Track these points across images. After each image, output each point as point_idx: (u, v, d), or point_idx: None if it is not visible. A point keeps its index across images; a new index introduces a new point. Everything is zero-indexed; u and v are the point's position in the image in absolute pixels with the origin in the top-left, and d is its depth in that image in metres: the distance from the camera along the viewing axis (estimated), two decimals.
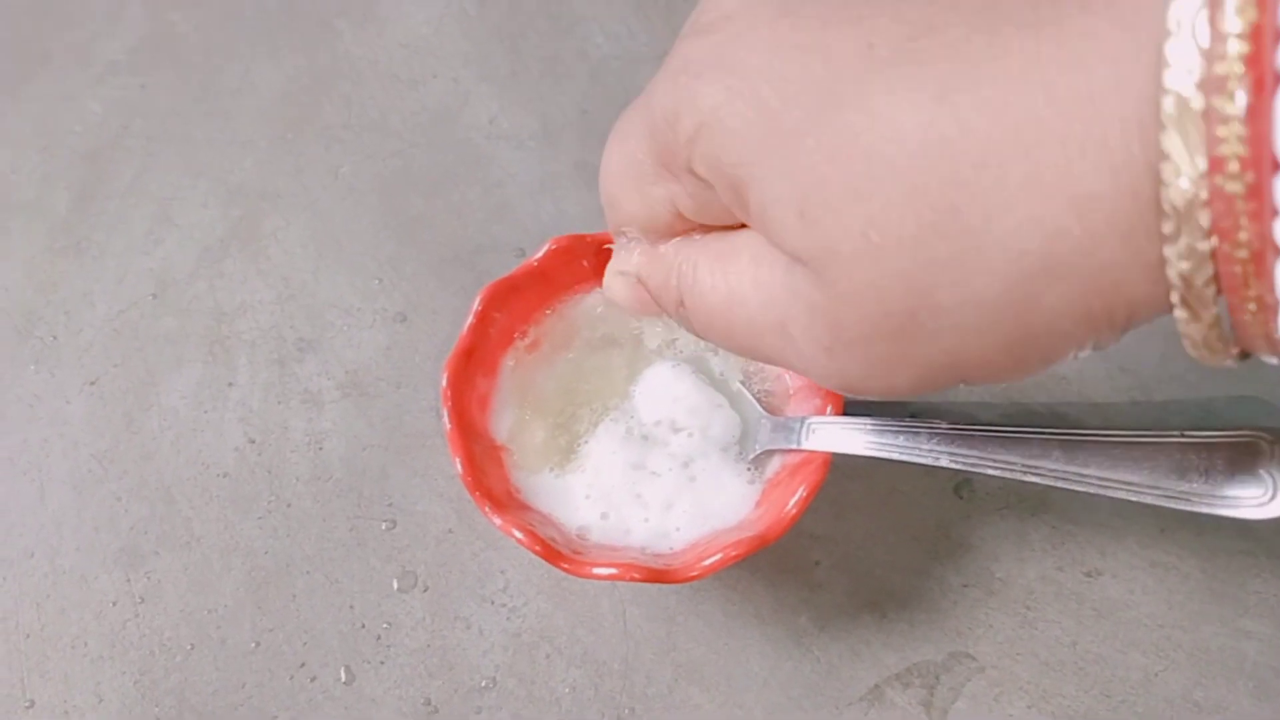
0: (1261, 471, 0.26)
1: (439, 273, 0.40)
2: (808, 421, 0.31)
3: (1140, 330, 0.37)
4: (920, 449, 0.30)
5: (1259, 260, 0.14)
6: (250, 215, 0.42)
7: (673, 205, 0.22)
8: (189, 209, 0.42)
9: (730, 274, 0.21)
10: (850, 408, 0.32)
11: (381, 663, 0.33)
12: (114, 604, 0.35)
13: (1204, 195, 0.14)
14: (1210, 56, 0.14)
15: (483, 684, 0.33)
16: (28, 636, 0.34)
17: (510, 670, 0.33)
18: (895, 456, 0.30)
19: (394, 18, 0.47)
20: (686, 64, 0.20)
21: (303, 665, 0.33)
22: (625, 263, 0.24)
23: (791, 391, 0.34)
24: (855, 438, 0.30)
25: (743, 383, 0.34)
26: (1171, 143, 0.14)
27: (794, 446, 0.31)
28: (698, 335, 0.23)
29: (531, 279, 0.34)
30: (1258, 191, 0.14)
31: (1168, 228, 0.15)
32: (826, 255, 0.17)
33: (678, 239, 0.23)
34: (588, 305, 0.35)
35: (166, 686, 0.33)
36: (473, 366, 0.33)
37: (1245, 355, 0.17)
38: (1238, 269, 0.14)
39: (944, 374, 0.18)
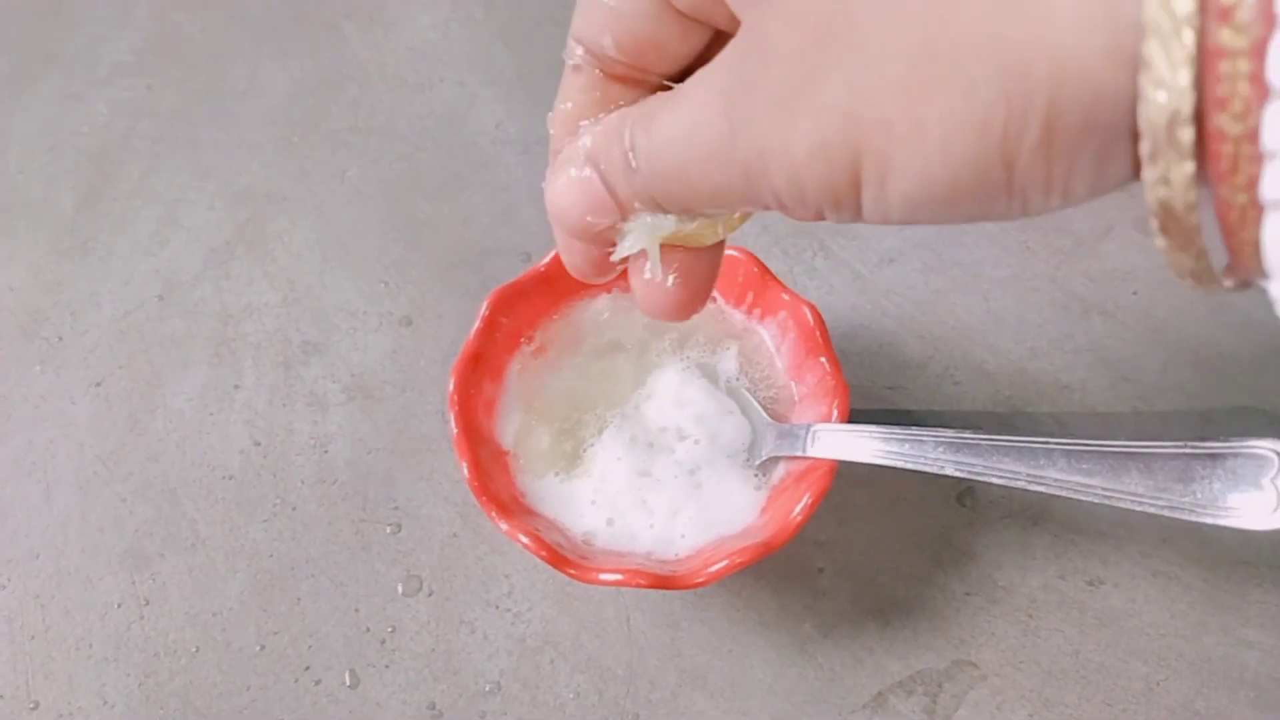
0: (1266, 482, 0.27)
1: (445, 276, 0.40)
2: (813, 429, 0.31)
3: (1142, 339, 0.37)
4: (925, 457, 0.30)
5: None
6: (256, 218, 0.42)
7: None
8: (195, 211, 0.42)
9: (679, 105, 0.19)
10: (855, 416, 0.32)
11: (386, 666, 0.33)
12: (119, 606, 0.35)
13: None
14: None
15: (487, 688, 0.33)
16: (32, 638, 0.34)
17: (514, 675, 0.33)
18: (900, 464, 0.30)
19: (401, 21, 0.47)
20: None
21: (307, 668, 0.34)
22: (573, 151, 0.21)
23: (797, 399, 0.34)
24: (860, 445, 0.30)
25: (749, 390, 0.34)
26: None
27: (799, 453, 0.31)
28: (653, 195, 0.20)
29: (538, 284, 0.34)
30: None
31: None
32: None
33: (627, 109, 0.21)
34: (594, 311, 0.35)
35: (171, 689, 0.33)
36: (479, 371, 0.33)
37: (1241, 282, 0.15)
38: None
39: (840, 131, 0.16)
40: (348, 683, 0.33)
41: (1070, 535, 0.34)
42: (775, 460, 0.33)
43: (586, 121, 0.22)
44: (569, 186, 0.21)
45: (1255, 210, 0.13)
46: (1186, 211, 0.14)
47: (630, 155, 0.20)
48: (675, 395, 0.33)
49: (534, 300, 0.34)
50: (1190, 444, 0.28)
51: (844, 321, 0.39)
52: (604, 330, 0.35)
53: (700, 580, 0.29)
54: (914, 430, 0.30)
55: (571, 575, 0.29)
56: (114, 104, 0.46)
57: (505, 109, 0.44)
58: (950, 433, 0.30)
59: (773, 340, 0.35)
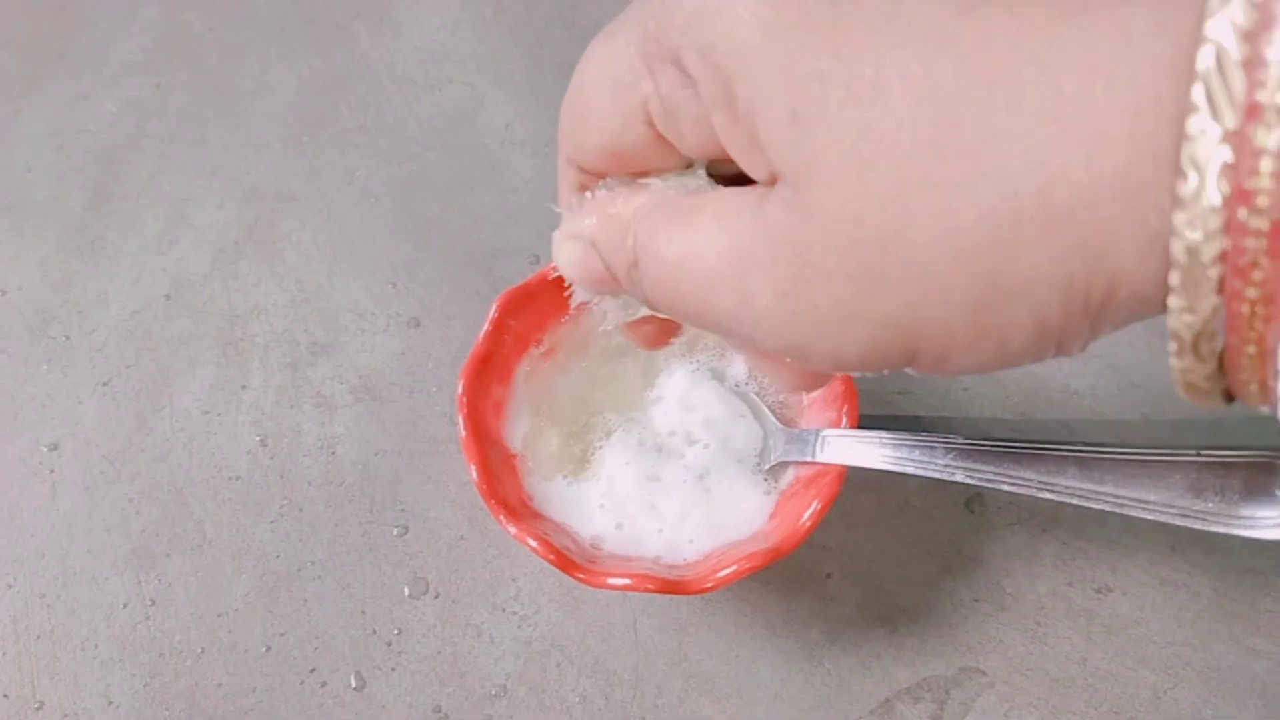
0: (1278, 492, 0.26)
1: (454, 278, 0.40)
2: (822, 434, 0.31)
3: (1151, 346, 0.37)
4: (935, 464, 0.30)
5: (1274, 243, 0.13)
6: (265, 217, 0.42)
7: (645, 113, 0.19)
8: (204, 210, 0.42)
9: (691, 227, 0.19)
10: (865, 422, 0.32)
11: (392, 669, 0.33)
12: (125, 606, 0.35)
13: (1229, 158, 0.13)
14: (1259, 7, 0.13)
15: (493, 692, 0.33)
16: (38, 638, 0.34)
17: (521, 678, 0.33)
18: (910, 471, 0.30)
19: (410, 22, 0.47)
20: None
21: (313, 670, 0.33)
22: (577, 226, 0.21)
23: (806, 404, 0.34)
24: (870, 451, 0.30)
25: (758, 394, 0.34)
26: (1201, 95, 0.13)
27: (808, 459, 0.31)
28: (649, 301, 0.20)
29: (547, 287, 0.34)
30: None
31: (1184, 189, 0.14)
32: (810, 166, 0.16)
33: (637, 201, 0.20)
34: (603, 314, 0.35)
35: (176, 690, 0.33)
36: (488, 373, 0.33)
37: (1231, 398, 0.16)
38: (1249, 257, 0.13)
39: (897, 339, 0.17)
40: (354, 685, 0.33)
41: (1079, 543, 0.34)
42: (784, 465, 0.32)
43: (598, 190, 0.21)
44: (575, 254, 0.21)
45: (1265, 304, 0.14)
46: (1207, 340, 0.15)
47: (633, 265, 0.20)
48: (684, 399, 0.33)
49: (542, 303, 0.34)
50: (1203, 452, 0.28)
51: None
52: (613, 333, 0.35)
53: (709, 585, 0.29)
54: (923, 436, 0.30)
55: (580, 579, 0.29)
56: (122, 103, 0.46)
57: (514, 110, 0.44)
58: (960, 439, 0.30)
59: None
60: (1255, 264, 0.13)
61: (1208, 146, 0.13)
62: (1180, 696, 0.32)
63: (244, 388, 0.38)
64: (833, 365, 0.18)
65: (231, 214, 0.42)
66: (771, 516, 0.32)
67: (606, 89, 0.20)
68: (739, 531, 0.31)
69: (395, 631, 0.34)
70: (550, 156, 0.42)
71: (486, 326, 0.33)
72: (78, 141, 0.45)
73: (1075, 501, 0.29)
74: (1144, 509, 0.28)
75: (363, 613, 0.34)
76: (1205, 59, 0.13)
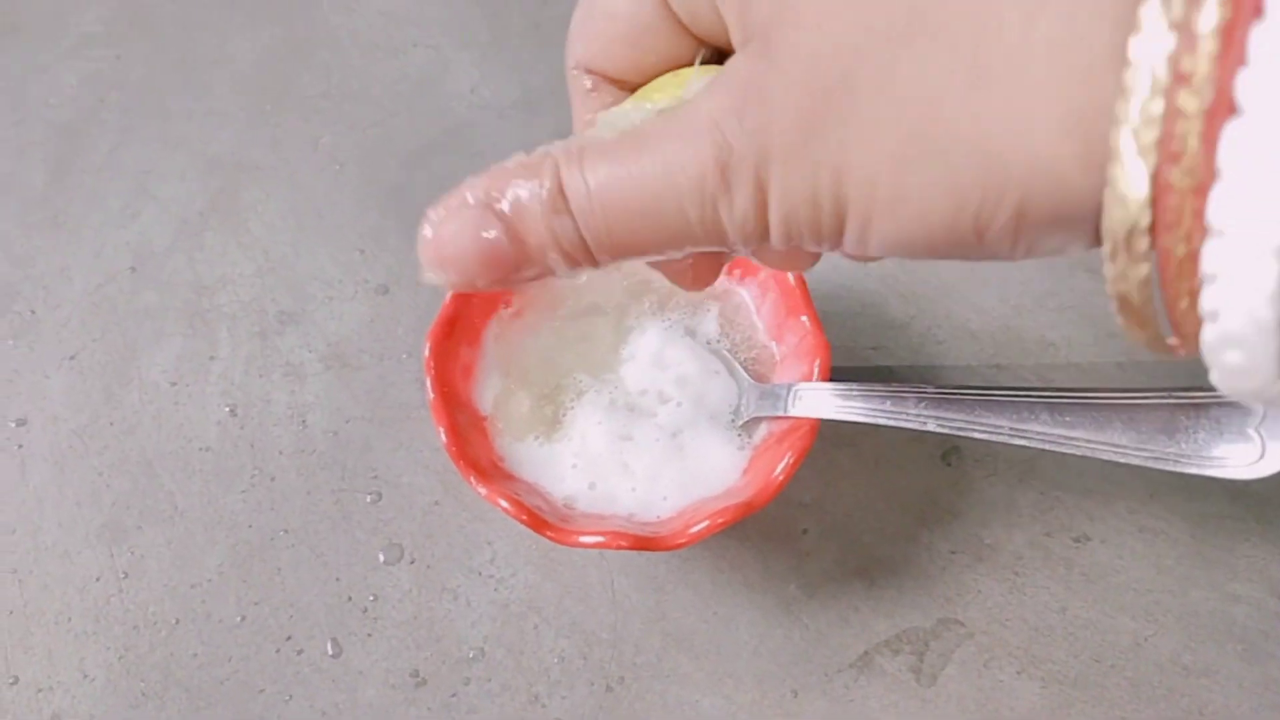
0: (1251, 431, 0.26)
1: None
2: (794, 388, 0.31)
3: None
4: (907, 414, 0.29)
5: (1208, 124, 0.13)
6: (229, 187, 0.41)
7: None
8: (167, 182, 0.42)
9: (653, 142, 0.18)
10: (837, 375, 0.32)
11: (368, 635, 0.33)
12: (97, 579, 0.34)
13: (1172, 45, 0.13)
14: None
15: (470, 655, 0.33)
16: (10, 613, 0.34)
17: (498, 641, 0.33)
18: (882, 421, 0.29)
19: None
20: None
21: (289, 638, 0.33)
22: (459, 203, 0.19)
23: (778, 359, 0.33)
24: (841, 403, 0.30)
25: (730, 351, 0.34)
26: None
27: (781, 413, 0.31)
28: (587, 238, 0.18)
29: None
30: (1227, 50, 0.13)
31: (1126, 74, 0.14)
32: (783, 11, 0.17)
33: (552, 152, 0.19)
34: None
35: (151, 661, 0.33)
36: (456, 336, 0.32)
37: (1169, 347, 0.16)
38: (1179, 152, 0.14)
39: (829, 183, 0.17)
40: (330, 652, 0.33)
41: (1056, 492, 0.34)
42: (757, 421, 0.32)
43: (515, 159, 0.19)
44: (460, 238, 0.19)
45: (1191, 261, 0.14)
46: (1143, 304, 0.15)
47: (560, 196, 0.18)
48: (657, 357, 0.33)
49: None
50: (1174, 394, 0.28)
51: (825, 282, 0.38)
52: (582, 293, 0.34)
53: (682, 541, 0.28)
54: (895, 387, 0.30)
55: (551, 538, 0.29)
56: (82, 75, 0.45)
57: (480, 73, 0.43)
58: (932, 389, 0.30)
59: (753, 300, 0.34)
60: (1185, 150, 0.13)
61: (1152, 31, 0.13)
62: (1160, 643, 0.32)
63: (212, 358, 0.38)
64: (781, 218, 0.18)
65: (195, 185, 0.41)
66: (745, 472, 0.31)
67: None
68: (712, 488, 0.31)
69: (371, 598, 0.34)
70: (516, 118, 0.42)
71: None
72: (38, 115, 0.44)
73: (1048, 447, 0.28)
74: (1117, 452, 0.28)
75: (337, 580, 0.34)
76: None
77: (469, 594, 0.34)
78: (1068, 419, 0.28)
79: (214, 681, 0.33)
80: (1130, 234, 0.14)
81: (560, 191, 0.18)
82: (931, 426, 0.29)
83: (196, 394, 0.37)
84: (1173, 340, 0.16)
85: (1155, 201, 0.14)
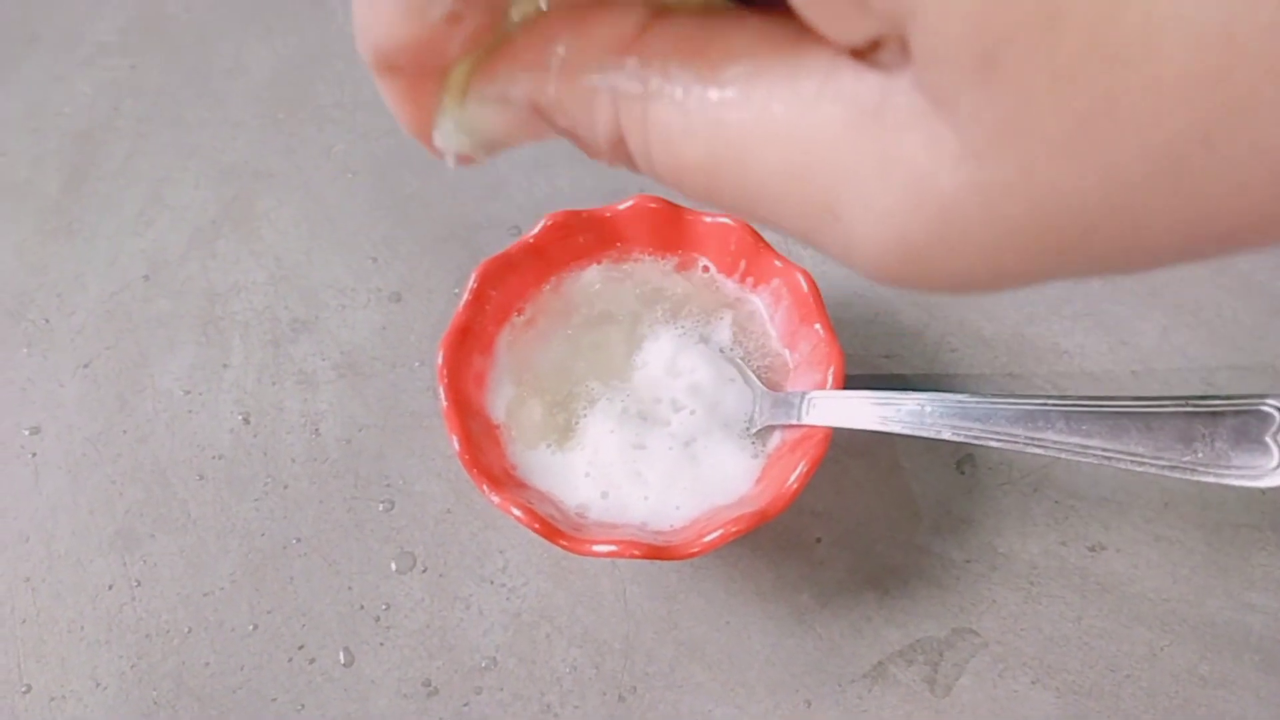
0: (1268, 439, 0.26)
1: (434, 251, 0.40)
2: (808, 396, 0.31)
3: (1142, 303, 0.37)
4: (922, 422, 0.29)
5: None
6: (243, 196, 0.41)
7: None
8: (181, 190, 0.42)
9: (751, 98, 0.13)
10: (851, 383, 0.31)
11: (381, 644, 0.33)
12: (110, 588, 0.34)
13: None
14: None
15: (483, 664, 0.33)
16: (24, 621, 0.34)
17: (510, 650, 0.33)
18: (897, 430, 0.29)
19: None
20: None
21: (301, 647, 0.33)
22: (507, 87, 0.15)
23: (792, 367, 0.33)
24: (855, 411, 0.30)
25: (743, 359, 0.34)
26: None
27: (794, 422, 0.31)
28: (658, 177, 0.15)
29: (527, 255, 0.33)
30: None
31: None
32: (1006, 124, 0.12)
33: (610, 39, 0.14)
34: (585, 282, 0.35)
35: (164, 670, 0.33)
36: (469, 344, 0.32)
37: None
38: None
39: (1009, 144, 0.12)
40: (342, 661, 0.33)
41: (1071, 501, 0.34)
42: (770, 429, 0.32)
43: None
44: (496, 125, 0.16)
45: None
46: None
47: (614, 125, 0.14)
48: (669, 365, 0.33)
49: (523, 272, 0.33)
50: (1191, 402, 0.27)
51: (838, 289, 0.38)
52: (595, 301, 0.34)
53: (695, 550, 0.28)
54: (909, 395, 0.30)
55: (564, 547, 0.28)
56: (98, 84, 0.45)
57: None
58: (947, 397, 0.29)
59: (766, 308, 0.34)
60: None
61: None
62: (1176, 653, 0.32)
63: (225, 366, 0.38)
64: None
65: (209, 193, 0.42)
66: (758, 481, 0.31)
67: None
68: (725, 496, 0.31)
69: (383, 606, 0.34)
70: None
71: (466, 297, 0.32)
72: (53, 124, 0.44)
73: (1064, 456, 0.28)
74: (1132, 461, 0.28)
75: (350, 588, 0.34)
76: None
77: (481, 603, 0.34)
78: (1084, 427, 0.28)
79: (226, 690, 0.33)
80: None
81: (623, 138, 0.15)
82: (946, 435, 0.29)
83: (209, 402, 0.37)
84: None
85: None
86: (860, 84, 0.13)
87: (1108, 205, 0.12)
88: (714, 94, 0.14)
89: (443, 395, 0.31)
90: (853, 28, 0.12)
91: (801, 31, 0.13)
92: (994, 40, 0.11)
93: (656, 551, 0.28)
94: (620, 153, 0.15)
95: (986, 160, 0.12)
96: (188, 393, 0.37)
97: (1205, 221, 0.12)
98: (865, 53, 0.12)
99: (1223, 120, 0.11)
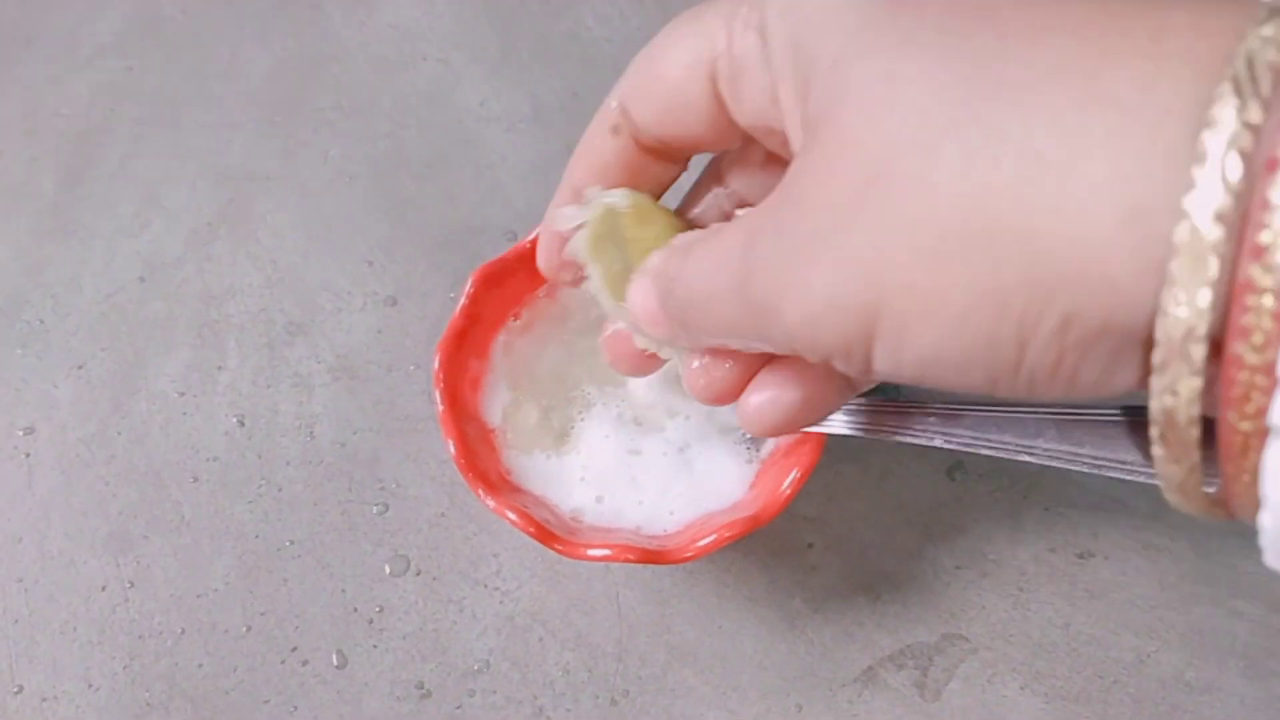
0: None
1: (430, 255, 0.40)
2: None
3: None
4: (913, 430, 0.29)
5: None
6: (239, 198, 0.42)
7: (712, 68, 0.20)
8: (177, 192, 0.42)
9: (711, 240, 0.20)
10: None
11: (374, 646, 0.33)
12: (103, 589, 0.34)
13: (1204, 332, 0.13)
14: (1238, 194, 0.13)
15: (476, 667, 0.33)
16: (16, 622, 0.34)
17: (503, 653, 0.33)
18: (888, 436, 0.30)
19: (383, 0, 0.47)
20: None
21: (294, 649, 0.33)
22: (656, 270, 0.22)
23: None
24: (848, 418, 0.30)
25: None
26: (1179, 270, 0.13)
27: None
28: (676, 320, 0.22)
29: (523, 261, 0.34)
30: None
31: (1156, 358, 0.13)
32: (835, 104, 0.17)
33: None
34: (581, 287, 0.35)
35: (157, 671, 0.33)
36: (465, 348, 0.32)
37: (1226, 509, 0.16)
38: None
39: (862, 284, 0.16)
40: (335, 663, 0.33)
41: (1061, 508, 0.34)
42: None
43: (594, 190, 0.24)
44: (642, 294, 0.23)
45: (1259, 437, 0.13)
46: (1188, 425, 0.14)
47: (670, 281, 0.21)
48: (665, 371, 0.33)
49: (520, 276, 0.34)
50: None
51: None
52: (591, 306, 0.35)
53: (689, 555, 0.29)
54: (903, 403, 0.30)
55: (559, 551, 0.29)
56: (94, 86, 0.45)
57: (490, 87, 0.43)
58: (939, 404, 0.30)
59: None
60: (1271, 255, 0.13)
61: (1227, 126, 0.13)
62: (1163, 659, 0.32)
63: (220, 369, 0.38)
64: (803, 319, 0.17)
65: (205, 195, 0.42)
66: (752, 486, 0.31)
67: (684, 43, 0.21)
68: (719, 502, 0.31)
69: (376, 609, 0.34)
70: (526, 132, 0.42)
71: (463, 301, 0.32)
72: (49, 125, 0.44)
73: (1055, 464, 0.28)
74: (1123, 470, 0.28)
75: (343, 591, 0.34)
76: (1214, 142, 0.13)
77: (474, 606, 0.34)
78: (1074, 435, 0.28)
79: (219, 692, 0.33)
80: (1187, 338, 0.13)
81: (671, 291, 0.21)
82: (938, 442, 0.29)
83: (204, 404, 0.37)
84: (1213, 492, 0.15)
85: (1227, 305, 0.13)
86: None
87: (881, 161, 0.16)
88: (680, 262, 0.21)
89: (438, 399, 0.31)
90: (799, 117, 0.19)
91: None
92: (832, 82, 0.17)
93: (650, 556, 0.29)
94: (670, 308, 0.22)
95: (819, 133, 0.17)
96: (182, 395, 0.38)
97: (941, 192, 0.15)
98: None
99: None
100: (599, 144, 0.23)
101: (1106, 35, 0.14)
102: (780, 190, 0.18)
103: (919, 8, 0.16)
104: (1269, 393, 0.13)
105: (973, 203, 0.15)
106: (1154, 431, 0.14)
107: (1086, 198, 0.14)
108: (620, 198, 0.24)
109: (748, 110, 0.20)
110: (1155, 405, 0.14)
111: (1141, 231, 0.13)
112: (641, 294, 0.22)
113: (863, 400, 0.30)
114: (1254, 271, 0.13)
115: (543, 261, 0.27)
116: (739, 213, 0.24)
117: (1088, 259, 0.14)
